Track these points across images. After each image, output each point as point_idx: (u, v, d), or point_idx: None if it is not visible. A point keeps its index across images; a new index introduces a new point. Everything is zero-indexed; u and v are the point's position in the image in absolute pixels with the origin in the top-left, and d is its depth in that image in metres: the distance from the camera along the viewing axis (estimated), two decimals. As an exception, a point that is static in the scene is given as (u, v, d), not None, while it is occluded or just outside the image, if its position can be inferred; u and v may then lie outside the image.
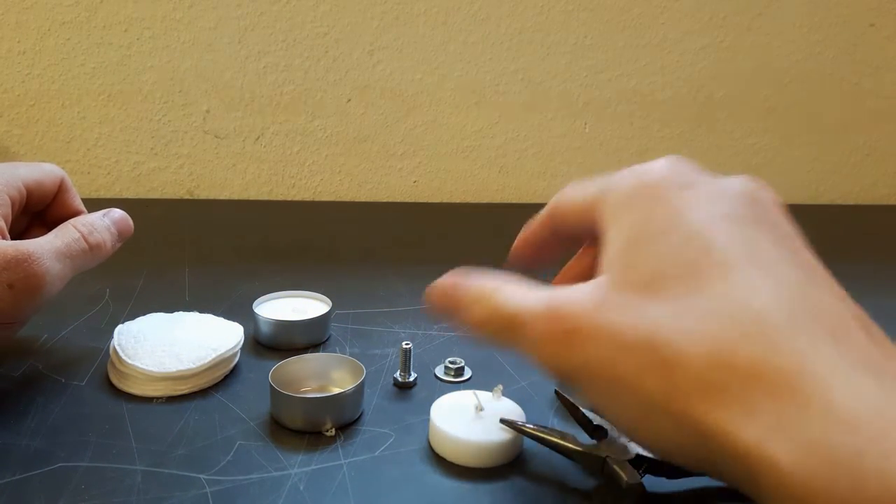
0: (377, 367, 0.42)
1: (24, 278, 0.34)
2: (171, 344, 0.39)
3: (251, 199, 0.78)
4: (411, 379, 0.40)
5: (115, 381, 0.39)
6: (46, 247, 0.36)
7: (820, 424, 0.20)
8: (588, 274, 0.29)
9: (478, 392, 0.36)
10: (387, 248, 0.65)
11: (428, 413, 0.35)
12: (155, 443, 0.34)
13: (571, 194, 0.31)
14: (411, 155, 0.79)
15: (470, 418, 0.34)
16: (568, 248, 0.34)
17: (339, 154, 0.78)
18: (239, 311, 0.46)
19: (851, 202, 0.86)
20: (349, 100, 0.76)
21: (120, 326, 0.42)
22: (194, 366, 0.38)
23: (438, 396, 0.36)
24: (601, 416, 0.33)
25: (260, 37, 0.73)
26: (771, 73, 0.81)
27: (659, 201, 0.26)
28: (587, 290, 0.25)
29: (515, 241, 0.34)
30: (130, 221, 0.41)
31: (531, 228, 0.34)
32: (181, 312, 0.44)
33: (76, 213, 0.42)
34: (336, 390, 0.37)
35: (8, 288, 0.33)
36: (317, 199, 0.79)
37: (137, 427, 0.35)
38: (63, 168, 0.42)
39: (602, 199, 0.28)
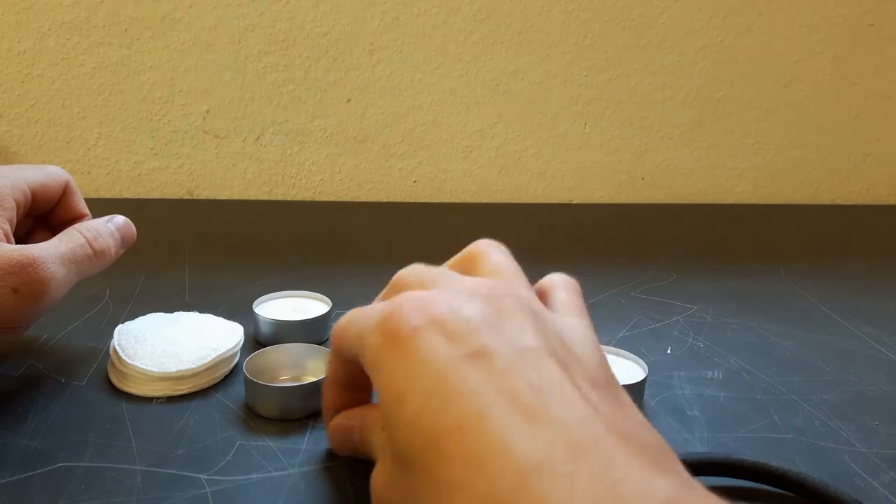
0: (377, 367, 0.42)
1: (28, 283, 0.34)
2: (171, 344, 0.39)
3: (251, 199, 0.78)
4: (411, 379, 0.40)
5: (115, 381, 0.39)
6: (51, 252, 0.36)
7: None
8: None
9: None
10: (387, 248, 0.65)
11: (428, 413, 0.35)
12: (155, 443, 0.34)
13: (346, 328, 0.29)
14: (411, 155, 0.79)
15: (470, 418, 0.34)
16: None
17: (339, 154, 0.78)
18: (239, 311, 0.46)
19: (851, 202, 0.86)
20: (349, 100, 0.76)
21: (120, 326, 0.42)
22: (194, 366, 0.38)
23: (438, 396, 0.36)
24: None
25: (260, 37, 0.73)
26: (771, 73, 0.81)
27: (400, 356, 0.24)
28: (385, 463, 0.26)
29: (326, 393, 0.33)
30: (133, 228, 0.42)
31: (330, 371, 0.32)
32: (181, 312, 0.44)
33: (80, 217, 0.42)
34: (310, 379, 0.37)
35: (12, 292, 0.33)
36: (317, 199, 0.79)
37: (137, 427, 0.35)
38: (63, 168, 0.42)
39: (361, 348, 0.27)
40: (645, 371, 0.39)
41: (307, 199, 0.79)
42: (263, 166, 0.78)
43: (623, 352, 0.41)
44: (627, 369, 0.40)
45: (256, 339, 0.44)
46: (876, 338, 0.49)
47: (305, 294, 0.47)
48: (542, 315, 0.27)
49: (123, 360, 0.38)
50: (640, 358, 0.40)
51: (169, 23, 0.72)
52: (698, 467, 0.32)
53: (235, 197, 0.78)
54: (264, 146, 0.77)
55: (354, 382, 0.31)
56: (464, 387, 0.23)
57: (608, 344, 0.43)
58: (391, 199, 0.81)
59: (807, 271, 0.61)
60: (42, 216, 0.42)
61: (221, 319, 0.44)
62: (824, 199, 0.86)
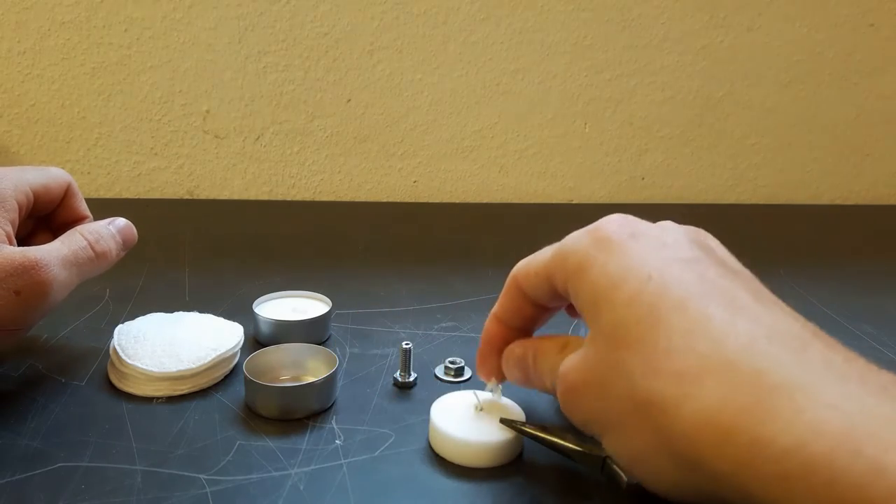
0: (377, 367, 0.42)
1: (30, 285, 0.34)
2: (171, 344, 0.39)
3: (251, 199, 0.78)
4: (411, 379, 0.40)
5: (115, 381, 0.39)
6: (54, 254, 0.36)
7: (788, 437, 0.21)
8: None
9: (478, 392, 0.36)
10: (387, 248, 0.65)
11: (428, 413, 0.35)
12: (155, 443, 0.34)
13: (531, 262, 0.32)
14: (411, 155, 0.79)
15: (470, 418, 0.34)
16: (539, 314, 0.35)
17: (339, 154, 0.78)
18: (239, 311, 0.46)
19: (851, 202, 0.86)
20: (349, 100, 0.76)
21: (120, 326, 0.42)
22: (194, 366, 0.38)
23: (438, 396, 0.36)
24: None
25: (260, 37, 0.73)
26: (771, 73, 0.81)
27: (612, 253, 0.28)
28: (580, 352, 0.28)
29: (487, 324, 0.35)
30: (134, 230, 0.42)
31: (498, 306, 0.35)
32: (181, 312, 0.44)
33: (82, 218, 0.42)
34: (310, 379, 0.37)
35: (14, 294, 0.34)
36: (317, 199, 0.79)
37: (137, 427, 0.35)
38: (63, 168, 0.42)
39: (560, 263, 0.30)
40: (645, 371, 0.39)
41: (307, 199, 0.79)
42: (263, 166, 0.78)
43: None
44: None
45: (256, 339, 0.44)
46: (876, 338, 0.49)
47: (305, 294, 0.47)
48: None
49: (123, 360, 0.38)
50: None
51: (169, 23, 0.72)
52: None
53: (235, 197, 0.78)
54: (264, 146, 0.77)
55: (517, 320, 0.34)
56: (679, 279, 0.26)
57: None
58: (391, 199, 0.81)
59: (807, 271, 0.61)
60: (43, 218, 0.42)
61: (221, 319, 0.44)
62: (824, 199, 0.86)
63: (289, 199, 0.79)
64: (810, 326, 0.25)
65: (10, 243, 0.36)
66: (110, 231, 0.40)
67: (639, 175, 0.82)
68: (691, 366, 0.23)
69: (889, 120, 0.84)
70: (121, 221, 0.41)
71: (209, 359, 0.39)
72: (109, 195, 0.76)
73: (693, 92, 0.80)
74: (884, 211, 0.83)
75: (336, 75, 0.75)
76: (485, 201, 0.82)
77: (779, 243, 0.71)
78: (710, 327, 0.24)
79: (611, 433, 0.27)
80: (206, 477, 0.31)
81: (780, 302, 0.27)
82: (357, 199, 0.80)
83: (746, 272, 0.28)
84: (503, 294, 0.34)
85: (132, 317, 0.44)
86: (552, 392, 0.31)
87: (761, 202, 0.86)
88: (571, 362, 0.28)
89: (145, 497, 0.30)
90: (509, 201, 0.82)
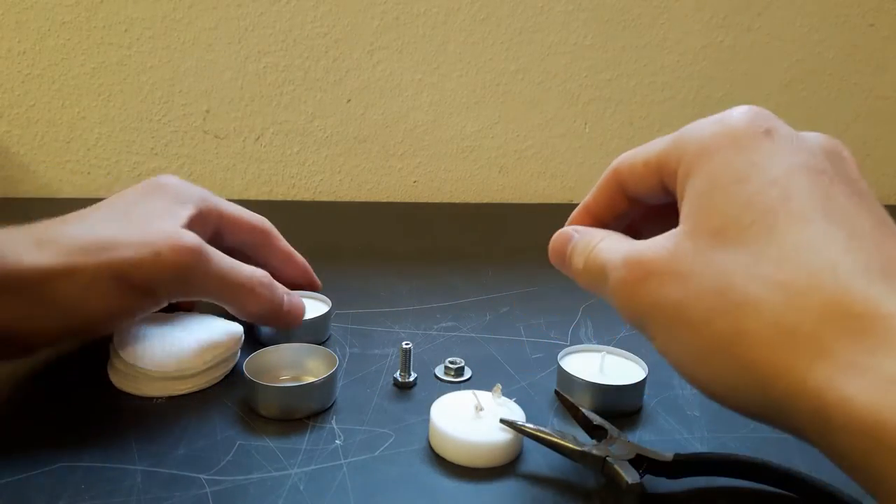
0: (377, 367, 0.42)
1: (175, 251, 0.35)
2: (171, 344, 0.39)
3: (251, 199, 0.78)
4: (411, 379, 0.40)
5: (115, 381, 0.39)
6: (217, 252, 0.38)
7: (893, 363, 0.20)
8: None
9: (478, 392, 0.36)
10: (387, 249, 0.65)
11: (428, 413, 0.35)
12: (155, 443, 0.34)
13: (638, 152, 0.30)
14: (411, 155, 0.79)
15: (470, 418, 0.34)
16: (633, 210, 0.32)
17: (339, 154, 0.78)
18: (239, 311, 0.46)
19: (851, 202, 0.86)
20: (349, 100, 0.76)
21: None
22: (194, 366, 0.38)
23: (438, 396, 0.36)
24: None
25: (260, 37, 0.73)
26: (771, 73, 0.81)
27: (739, 149, 0.26)
28: (662, 240, 0.26)
29: (573, 214, 0.33)
30: (301, 315, 0.43)
31: (591, 197, 0.33)
32: (181, 312, 0.44)
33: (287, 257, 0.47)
34: (310, 379, 0.37)
35: (154, 256, 0.35)
36: (317, 199, 0.79)
37: (137, 427, 0.35)
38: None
39: (680, 150, 0.28)
40: (645, 371, 0.39)
41: (307, 199, 0.79)
42: (263, 166, 0.78)
43: (623, 352, 0.41)
44: (628, 369, 0.40)
45: (256, 339, 0.44)
46: (876, 338, 0.49)
47: (305, 294, 0.47)
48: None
49: (124, 360, 0.38)
50: (641, 358, 0.40)
51: (169, 23, 0.72)
52: (698, 467, 0.32)
53: (235, 197, 0.78)
54: (264, 146, 0.77)
55: (607, 215, 0.32)
56: (804, 190, 0.24)
57: (608, 344, 0.43)
58: (391, 199, 0.80)
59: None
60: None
61: (221, 319, 0.44)
62: (824, 199, 0.86)
63: (289, 199, 0.79)
64: None
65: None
66: (284, 291, 0.41)
67: (639, 175, 0.82)
68: (798, 281, 0.22)
69: (889, 120, 0.84)
70: (298, 300, 0.42)
71: (209, 359, 0.39)
72: (109, 195, 0.76)
73: (693, 92, 0.80)
74: (884, 211, 0.83)
75: (336, 75, 0.75)
76: (485, 201, 0.82)
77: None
78: (825, 247, 0.23)
79: (674, 330, 0.25)
80: (206, 477, 0.31)
81: None
82: (357, 199, 0.80)
83: (871, 196, 0.27)
84: (599, 187, 0.32)
85: (132, 317, 0.44)
86: (576, 276, 0.31)
87: (761, 202, 0.86)
88: (650, 248, 0.27)
89: (145, 497, 0.30)
90: (509, 201, 0.82)
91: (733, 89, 0.81)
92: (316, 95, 0.76)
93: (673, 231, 0.27)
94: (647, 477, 0.31)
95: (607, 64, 0.78)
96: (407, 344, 0.40)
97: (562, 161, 0.81)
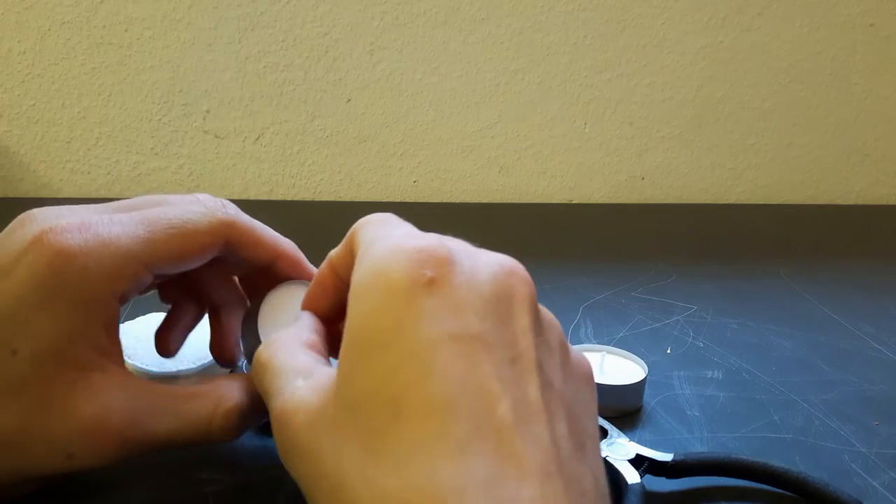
0: (377, 367, 0.42)
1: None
2: (171, 344, 0.39)
3: (251, 199, 0.78)
4: (411, 379, 0.40)
5: (115, 381, 0.38)
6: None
7: None
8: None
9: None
10: (387, 248, 0.65)
11: (428, 413, 0.35)
12: (155, 443, 0.34)
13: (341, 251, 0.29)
14: (411, 155, 0.79)
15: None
16: None
17: (339, 154, 0.78)
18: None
19: (851, 202, 0.86)
20: (349, 100, 0.76)
21: (120, 326, 0.42)
22: (194, 366, 0.38)
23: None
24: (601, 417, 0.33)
25: (260, 37, 0.73)
26: (771, 73, 0.81)
27: (390, 305, 0.22)
28: (315, 398, 0.24)
29: (308, 294, 0.32)
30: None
31: (333, 253, 0.31)
32: (181, 312, 0.44)
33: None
34: None
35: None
36: (317, 199, 0.79)
37: (137, 427, 0.35)
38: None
39: (354, 270, 0.25)
40: (645, 371, 0.39)
41: (307, 199, 0.79)
42: (263, 166, 0.78)
43: (623, 352, 0.41)
44: (628, 369, 0.40)
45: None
46: (876, 338, 0.49)
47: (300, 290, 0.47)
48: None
49: (124, 360, 0.38)
50: (640, 358, 0.40)
51: (169, 23, 0.72)
52: (698, 467, 0.32)
53: (235, 197, 0.78)
54: (264, 146, 0.77)
55: (348, 273, 0.28)
56: (444, 364, 0.21)
57: (608, 344, 0.43)
58: (391, 199, 0.81)
59: (807, 271, 0.61)
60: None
61: (221, 319, 0.44)
62: (824, 199, 0.86)
63: (289, 199, 0.79)
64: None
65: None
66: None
67: (638, 175, 0.82)
68: (408, 499, 0.20)
69: (889, 120, 0.84)
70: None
71: (209, 359, 0.39)
72: (109, 195, 0.76)
73: (693, 92, 0.80)
74: (884, 211, 0.83)
75: (336, 75, 0.75)
76: (485, 201, 0.82)
77: (779, 243, 0.71)
78: (438, 452, 0.20)
79: (307, 493, 0.24)
80: (206, 477, 0.31)
81: (549, 407, 0.22)
82: (357, 199, 0.80)
83: (525, 358, 0.23)
84: (342, 243, 0.30)
85: (132, 317, 0.44)
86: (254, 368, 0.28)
87: (761, 202, 0.86)
88: (303, 399, 0.24)
89: (145, 496, 0.30)
90: (509, 201, 0.82)
91: (733, 89, 0.81)
92: (316, 95, 0.76)
93: (330, 382, 0.24)
94: (647, 477, 0.31)
95: (607, 64, 0.78)
96: (407, 344, 0.40)
97: (562, 161, 0.81)
